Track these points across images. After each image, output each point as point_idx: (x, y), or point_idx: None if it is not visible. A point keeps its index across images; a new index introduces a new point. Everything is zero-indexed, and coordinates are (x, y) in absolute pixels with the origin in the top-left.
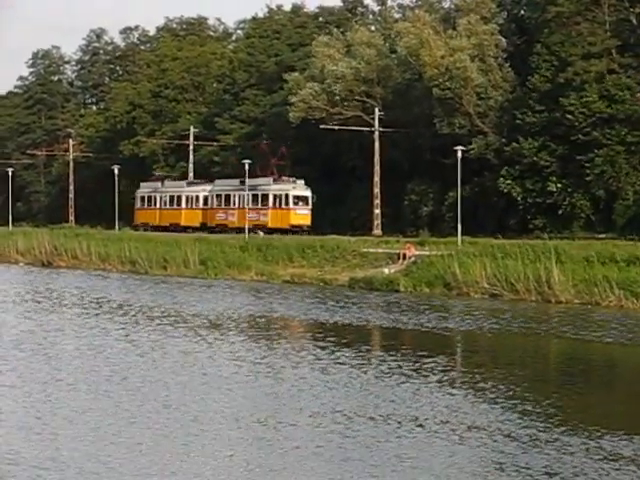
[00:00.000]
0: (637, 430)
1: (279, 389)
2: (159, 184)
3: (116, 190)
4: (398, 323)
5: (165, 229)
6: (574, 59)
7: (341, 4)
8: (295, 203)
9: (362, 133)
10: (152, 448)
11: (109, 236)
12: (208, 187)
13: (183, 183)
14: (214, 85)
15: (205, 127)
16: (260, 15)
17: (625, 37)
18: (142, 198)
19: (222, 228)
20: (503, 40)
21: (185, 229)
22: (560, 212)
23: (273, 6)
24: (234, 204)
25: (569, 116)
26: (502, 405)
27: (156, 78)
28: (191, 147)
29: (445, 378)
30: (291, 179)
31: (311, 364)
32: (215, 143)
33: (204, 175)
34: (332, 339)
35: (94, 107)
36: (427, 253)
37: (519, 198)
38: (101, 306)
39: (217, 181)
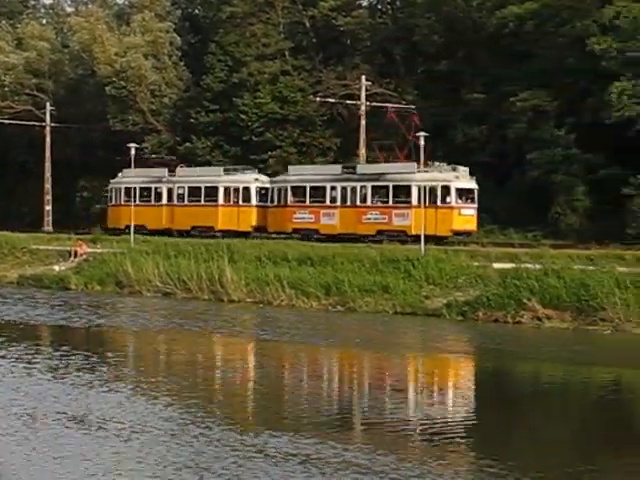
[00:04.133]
0: (283, 427)
1: None
2: (164, 171)
3: None
4: (66, 321)
5: (176, 234)
6: (248, 60)
7: None
8: (458, 200)
9: (33, 128)
10: None
11: None
12: (262, 176)
13: (218, 170)
14: None
15: None
16: None
17: (298, 39)
18: (128, 191)
19: (308, 234)
20: (178, 38)
21: (226, 234)
22: None
23: None
24: (333, 201)
25: (243, 116)
26: (168, 402)
27: None
28: None
29: (112, 376)
30: (443, 164)
31: None
32: None
33: None
34: None
35: None
36: (100, 250)
37: None
38: None
39: (292, 168)
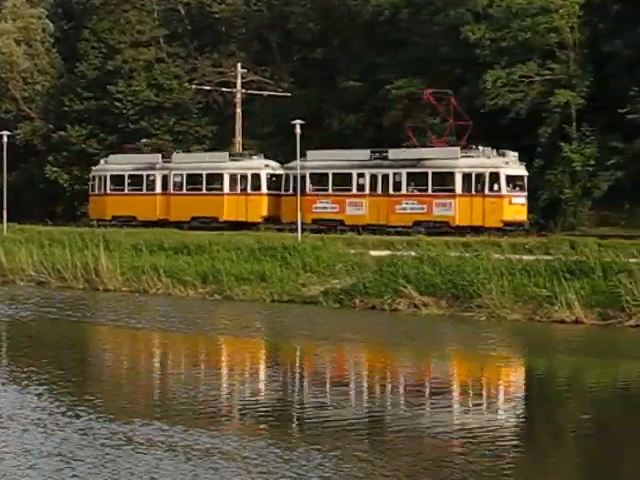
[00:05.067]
0: (153, 416)
1: None
2: (158, 157)
3: None
4: None
5: (165, 225)
6: (122, 47)
7: None
8: (508, 188)
9: None
10: None
11: None
12: (273, 162)
13: (222, 155)
14: None
15: None
16: None
17: (173, 27)
18: (114, 179)
19: (331, 225)
20: (50, 25)
21: (232, 225)
22: None
23: None
24: (361, 189)
25: (118, 104)
26: (39, 392)
27: None
28: None
29: None
30: (488, 149)
31: None
32: None
33: None
34: None
35: None
36: None
37: (66, 185)
38: None
39: (311, 153)
